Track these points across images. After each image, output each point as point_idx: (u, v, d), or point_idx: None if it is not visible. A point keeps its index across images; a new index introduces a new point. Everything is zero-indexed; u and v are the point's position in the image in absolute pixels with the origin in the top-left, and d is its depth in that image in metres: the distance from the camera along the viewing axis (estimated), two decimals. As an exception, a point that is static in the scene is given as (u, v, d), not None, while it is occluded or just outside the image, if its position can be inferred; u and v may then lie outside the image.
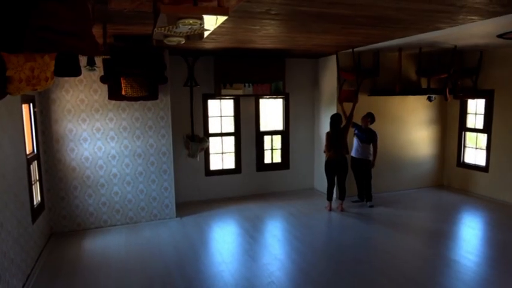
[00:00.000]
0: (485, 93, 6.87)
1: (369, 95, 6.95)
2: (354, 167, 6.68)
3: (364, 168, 6.56)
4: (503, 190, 6.73)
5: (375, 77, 6.88)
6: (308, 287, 3.97)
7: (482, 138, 7.19)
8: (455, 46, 5.96)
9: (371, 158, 6.54)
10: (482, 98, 7.00)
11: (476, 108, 7.30)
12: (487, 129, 6.97)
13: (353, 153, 6.62)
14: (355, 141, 6.59)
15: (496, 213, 6.24)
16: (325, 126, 6.96)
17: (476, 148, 7.41)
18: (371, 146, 6.50)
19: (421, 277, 4.15)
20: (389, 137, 7.25)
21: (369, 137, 6.45)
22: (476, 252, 4.81)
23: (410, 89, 7.05)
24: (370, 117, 6.46)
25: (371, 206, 6.61)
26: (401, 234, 5.45)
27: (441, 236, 5.34)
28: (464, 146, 7.56)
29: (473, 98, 7.08)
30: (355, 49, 6.26)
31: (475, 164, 7.34)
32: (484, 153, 7.10)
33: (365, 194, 6.73)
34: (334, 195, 6.62)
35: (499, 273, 4.20)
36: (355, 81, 6.47)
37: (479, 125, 7.20)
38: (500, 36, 4.97)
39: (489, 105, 6.87)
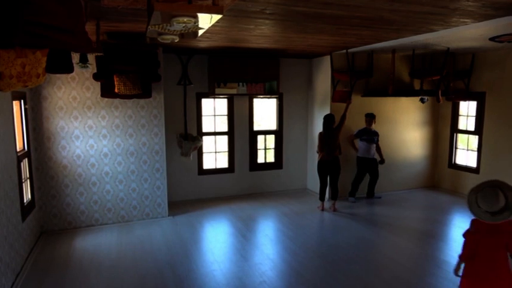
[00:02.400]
0: (477, 95, 6.94)
1: (362, 96, 6.98)
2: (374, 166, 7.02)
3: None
4: (493, 191, 6.78)
5: (369, 78, 6.92)
6: (300, 286, 3.98)
7: (474, 140, 7.26)
8: (448, 48, 6.01)
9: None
10: (474, 100, 7.07)
11: (468, 110, 7.37)
12: (478, 131, 7.04)
13: (370, 155, 6.92)
14: (369, 145, 6.87)
15: (486, 215, 6.29)
16: (318, 127, 6.98)
17: (467, 150, 7.48)
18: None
19: (413, 277, 4.18)
20: (382, 137, 7.28)
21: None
22: (467, 253, 4.86)
23: (403, 90, 7.11)
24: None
25: (354, 202, 7.00)
26: (393, 235, 5.49)
27: (432, 236, 5.38)
28: (456, 148, 7.63)
29: (465, 100, 7.15)
30: (349, 50, 6.28)
31: (466, 166, 7.41)
32: (475, 155, 7.17)
33: (353, 190, 7.10)
34: (327, 196, 6.64)
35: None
36: (349, 82, 6.50)
37: (471, 127, 7.27)
38: (492, 39, 5.02)
39: (481, 108, 6.94)
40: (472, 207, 2.78)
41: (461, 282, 2.99)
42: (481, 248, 2.84)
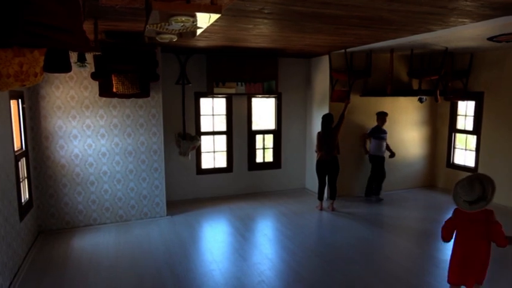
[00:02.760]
0: (475, 95, 6.95)
1: (360, 96, 6.99)
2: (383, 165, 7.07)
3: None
4: (491, 191, 6.80)
5: (367, 78, 6.92)
6: (298, 286, 3.98)
7: (472, 139, 7.28)
8: (447, 48, 6.01)
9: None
10: (472, 100, 7.09)
11: (466, 110, 7.39)
12: (476, 130, 7.05)
13: (381, 153, 6.99)
14: (380, 142, 6.96)
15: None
16: (317, 126, 6.98)
17: (465, 149, 7.49)
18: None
19: (411, 276, 4.19)
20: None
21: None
22: (465, 253, 4.86)
23: (402, 90, 7.12)
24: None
25: (381, 199, 7.08)
26: (391, 234, 5.50)
27: (431, 236, 5.39)
28: (454, 147, 7.65)
29: (463, 99, 7.17)
30: (348, 49, 6.28)
31: (464, 165, 7.42)
32: (473, 155, 7.18)
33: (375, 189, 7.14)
34: (325, 195, 6.64)
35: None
36: (348, 82, 6.50)
37: (469, 126, 7.28)
38: (490, 39, 5.03)
39: (479, 107, 6.96)
40: (455, 197, 3.05)
41: (449, 268, 3.28)
42: (462, 236, 3.14)
